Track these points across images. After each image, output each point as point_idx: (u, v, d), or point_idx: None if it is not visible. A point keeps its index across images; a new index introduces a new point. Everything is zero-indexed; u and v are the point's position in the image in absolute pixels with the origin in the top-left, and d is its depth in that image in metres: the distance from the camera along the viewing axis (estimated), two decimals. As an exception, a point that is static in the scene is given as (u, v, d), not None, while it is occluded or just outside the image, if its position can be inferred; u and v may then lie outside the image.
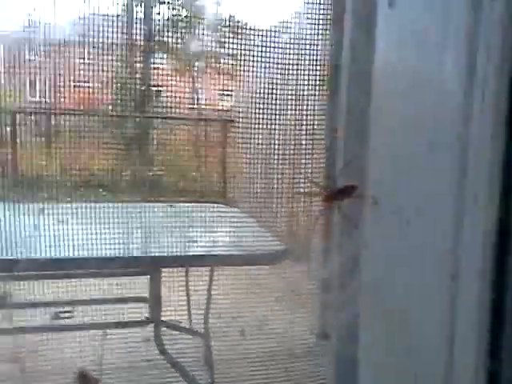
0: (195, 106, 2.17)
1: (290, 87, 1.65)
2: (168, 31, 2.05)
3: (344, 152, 0.75)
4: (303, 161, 1.61)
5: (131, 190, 1.99)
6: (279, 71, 1.65)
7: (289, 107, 1.68)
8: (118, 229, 1.61)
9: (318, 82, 1.62)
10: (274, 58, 1.66)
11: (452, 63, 0.51)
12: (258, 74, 1.71)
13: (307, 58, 1.60)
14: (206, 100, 2.21)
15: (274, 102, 1.66)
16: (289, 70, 1.64)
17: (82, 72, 1.85)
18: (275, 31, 1.92)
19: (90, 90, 1.94)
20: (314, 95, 1.62)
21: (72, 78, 1.83)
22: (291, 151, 1.73)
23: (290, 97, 1.67)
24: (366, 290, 0.65)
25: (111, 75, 1.89)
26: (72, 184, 1.79)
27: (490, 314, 0.49)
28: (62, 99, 1.81)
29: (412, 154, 0.56)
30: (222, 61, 2.12)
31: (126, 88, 1.97)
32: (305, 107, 1.64)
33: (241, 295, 1.81)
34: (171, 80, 2.03)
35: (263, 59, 1.72)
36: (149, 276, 1.68)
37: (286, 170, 1.75)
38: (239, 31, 1.94)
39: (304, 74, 1.63)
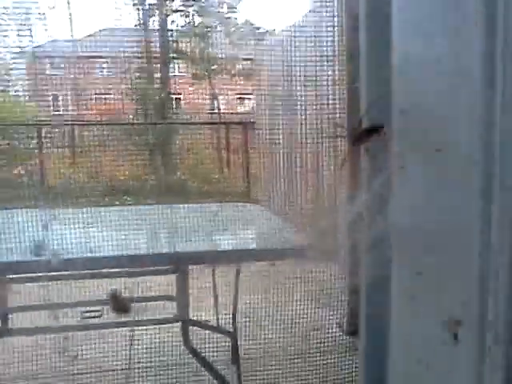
0: (215, 111, 2.22)
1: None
2: (184, 39, 2.12)
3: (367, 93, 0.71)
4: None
5: (156, 195, 2.04)
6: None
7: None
8: (144, 230, 1.66)
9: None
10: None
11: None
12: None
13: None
14: (224, 104, 2.26)
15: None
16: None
17: (102, 84, 1.94)
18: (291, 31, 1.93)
19: (112, 101, 2.02)
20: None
21: (93, 90, 1.92)
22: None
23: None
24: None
25: (131, 86, 1.97)
26: (98, 191, 1.86)
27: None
28: (85, 111, 1.90)
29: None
30: (239, 65, 2.16)
31: (147, 97, 2.04)
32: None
33: (266, 293, 1.83)
34: (190, 86, 2.09)
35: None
36: (176, 274, 1.72)
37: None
38: (254, 35, 1.98)
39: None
